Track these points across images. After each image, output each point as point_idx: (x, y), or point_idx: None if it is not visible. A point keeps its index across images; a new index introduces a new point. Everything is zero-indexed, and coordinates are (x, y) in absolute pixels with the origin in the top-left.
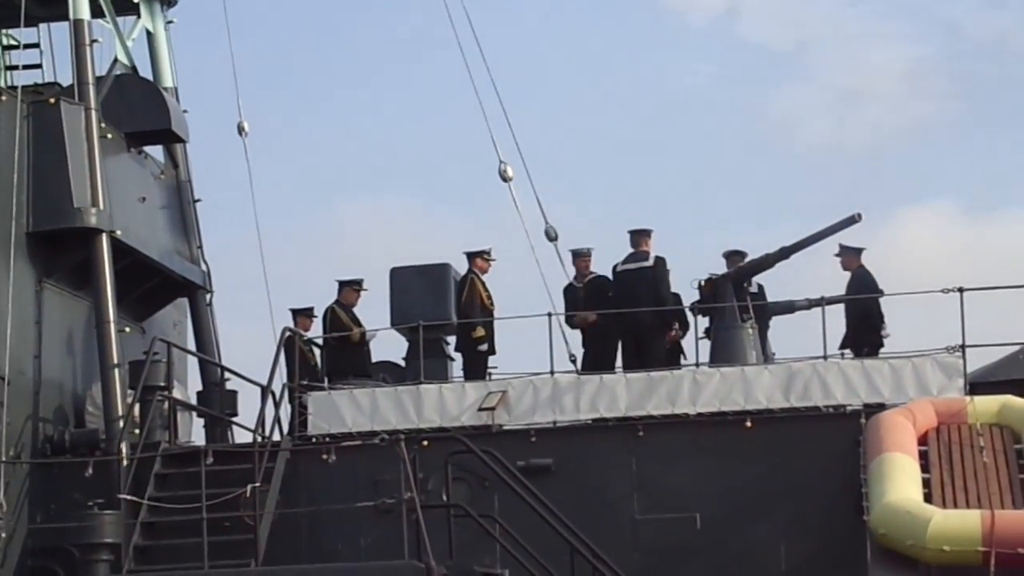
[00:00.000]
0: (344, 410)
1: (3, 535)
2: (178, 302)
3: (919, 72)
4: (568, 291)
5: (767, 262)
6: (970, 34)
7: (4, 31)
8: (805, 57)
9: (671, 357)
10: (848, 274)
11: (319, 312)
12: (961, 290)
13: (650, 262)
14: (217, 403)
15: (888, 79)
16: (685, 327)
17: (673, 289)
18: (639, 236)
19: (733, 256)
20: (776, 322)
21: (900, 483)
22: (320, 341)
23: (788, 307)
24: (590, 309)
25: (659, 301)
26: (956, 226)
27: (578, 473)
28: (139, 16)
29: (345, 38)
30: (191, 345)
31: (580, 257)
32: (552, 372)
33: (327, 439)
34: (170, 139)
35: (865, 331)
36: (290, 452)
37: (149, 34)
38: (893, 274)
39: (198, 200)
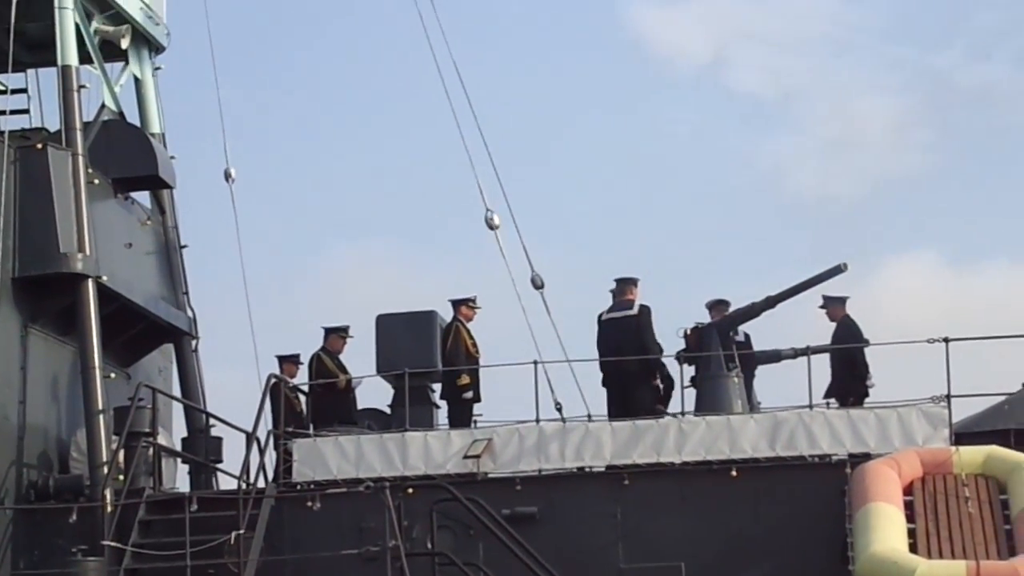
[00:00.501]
0: (329, 457)
1: None
2: (164, 348)
3: (906, 123)
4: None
5: (753, 311)
6: (956, 85)
7: None
8: (792, 107)
9: (656, 405)
10: (833, 324)
11: (305, 359)
12: (947, 340)
13: (634, 311)
14: (202, 449)
15: (875, 129)
16: (669, 385)
17: (659, 338)
18: (624, 285)
19: (717, 305)
20: (762, 371)
21: (885, 533)
22: (306, 388)
23: (774, 356)
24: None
25: (643, 350)
26: (940, 277)
27: (563, 521)
28: (127, 62)
29: (332, 84)
30: (176, 391)
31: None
32: (537, 420)
33: (312, 486)
34: (157, 185)
35: (851, 380)
36: (275, 499)
37: (137, 80)
38: (878, 323)
39: (184, 246)
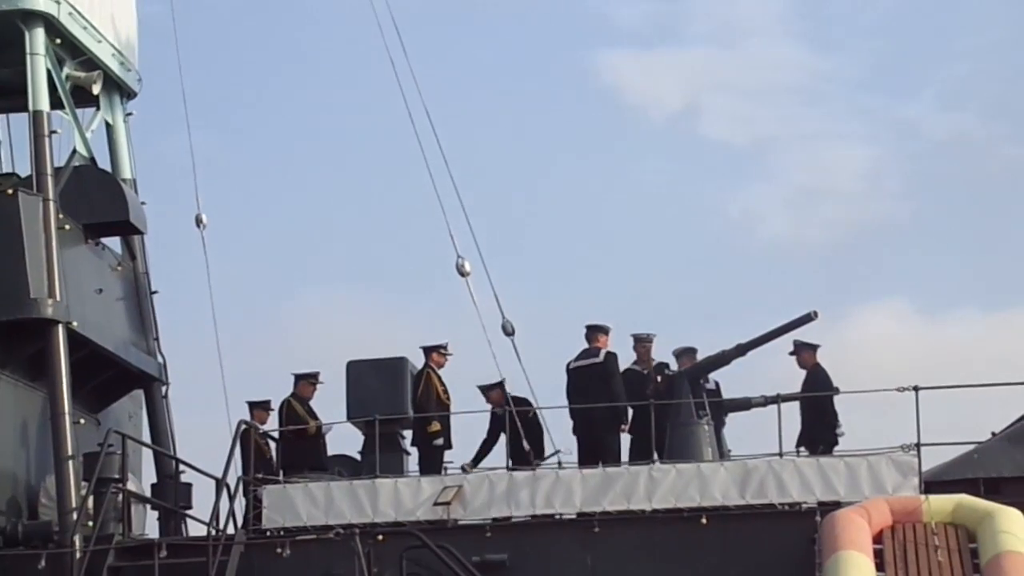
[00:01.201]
0: (299, 504)
1: None
2: (134, 394)
3: (876, 171)
4: (629, 374)
5: (724, 358)
6: (927, 134)
7: None
8: (764, 155)
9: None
10: (803, 371)
11: (275, 405)
12: (916, 389)
13: (600, 358)
14: (172, 496)
15: (845, 178)
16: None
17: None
18: (594, 332)
19: (686, 353)
20: (732, 419)
21: None
22: (276, 434)
23: (744, 404)
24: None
25: (610, 397)
26: (910, 324)
27: (533, 569)
28: (98, 108)
29: (304, 129)
30: (146, 437)
31: (641, 343)
32: (508, 467)
33: (282, 533)
34: (128, 231)
35: (820, 429)
36: (244, 545)
37: (108, 126)
38: (848, 371)
39: (155, 292)
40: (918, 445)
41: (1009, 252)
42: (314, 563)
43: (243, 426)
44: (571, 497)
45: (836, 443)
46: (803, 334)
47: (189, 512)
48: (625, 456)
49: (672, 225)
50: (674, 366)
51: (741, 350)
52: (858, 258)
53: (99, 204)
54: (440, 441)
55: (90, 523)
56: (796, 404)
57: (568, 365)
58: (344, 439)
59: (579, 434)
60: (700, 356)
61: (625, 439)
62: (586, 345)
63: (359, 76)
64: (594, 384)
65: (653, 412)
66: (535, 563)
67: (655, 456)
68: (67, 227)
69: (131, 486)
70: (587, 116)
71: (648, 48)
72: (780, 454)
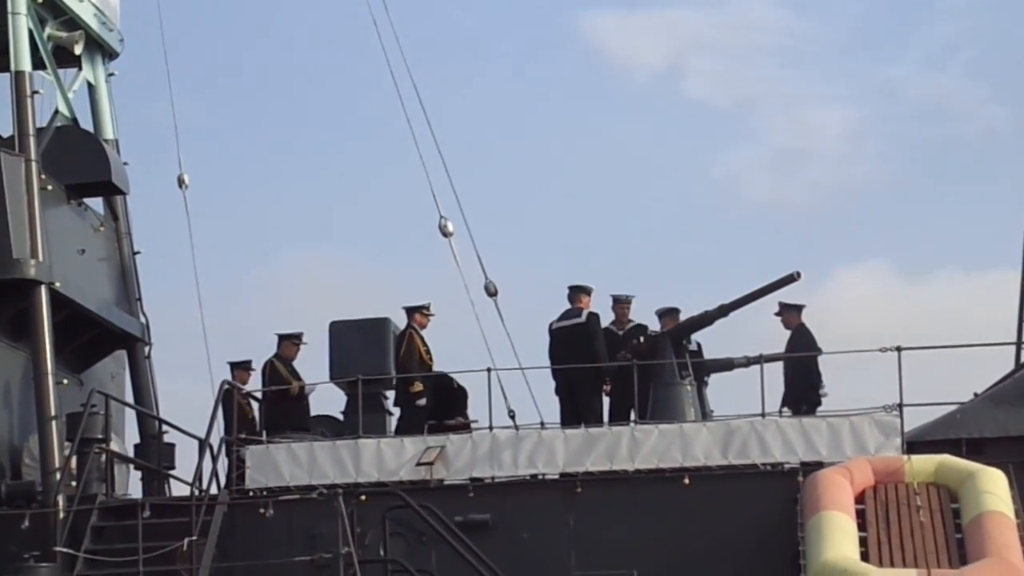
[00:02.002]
0: (282, 464)
1: None
2: (116, 354)
3: (859, 133)
4: (606, 334)
5: (706, 319)
6: (910, 96)
7: None
8: (747, 117)
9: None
10: (788, 332)
11: (257, 365)
12: (899, 349)
13: (582, 319)
14: (155, 456)
15: (828, 139)
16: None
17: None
18: (576, 293)
19: (668, 314)
20: (714, 379)
21: (837, 541)
22: (259, 394)
23: (727, 364)
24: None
25: (592, 358)
26: (892, 286)
27: (516, 529)
28: (80, 68)
29: (286, 89)
30: (129, 397)
31: (620, 304)
32: (491, 427)
33: (265, 493)
34: (110, 191)
35: (803, 389)
36: (227, 506)
37: (90, 86)
38: (830, 332)
39: (138, 252)
40: (900, 406)
41: (991, 213)
42: (297, 523)
43: (226, 387)
44: (554, 457)
45: (819, 403)
46: (785, 295)
47: (172, 472)
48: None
49: (655, 186)
50: (657, 327)
51: (724, 311)
52: (840, 219)
53: (81, 165)
54: (423, 401)
55: (73, 483)
56: (779, 365)
57: (551, 326)
58: (327, 400)
59: (561, 395)
60: (683, 317)
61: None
62: (568, 306)
63: (340, 37)
64: (576, 345)
65: (636, 373)
66: (518, 523)
67: (635, 417)
68: (49, 187)
69: (114, 446)
70: (571, 77)
71: (632, 9)
72: (762, 415)
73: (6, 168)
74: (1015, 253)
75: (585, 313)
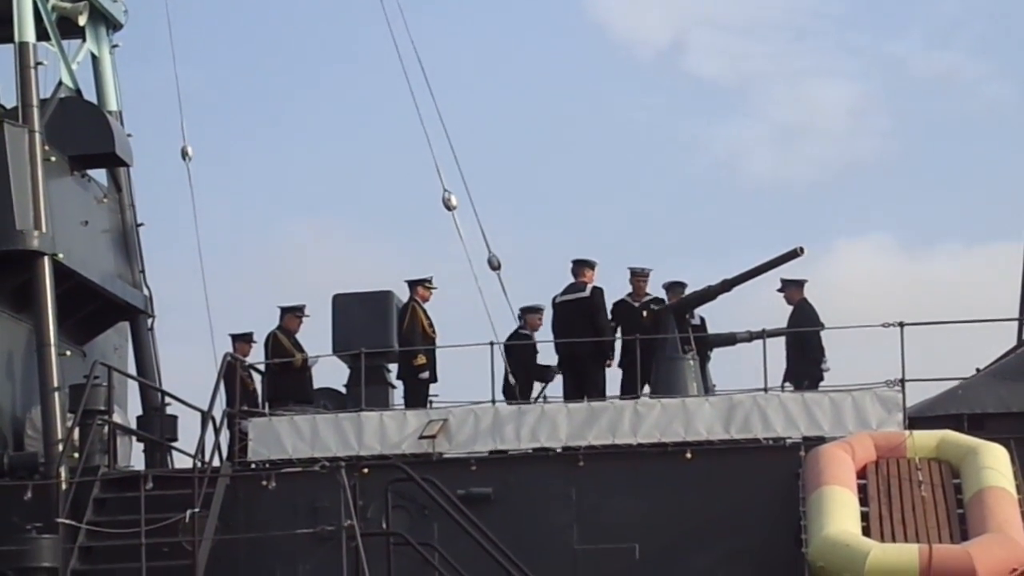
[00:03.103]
0: (284, 437)
1: None
2: (119, 326)
3: (862, 109)
4: (622, 306)
5: (709, 294)
6: (913, 72)
7: None
8: (750, 92)
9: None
10: (790, 307)
11: (260, 338)
12: (901, 325)
13: (587, 292)
14: (157, 428)
15: (831, 115)
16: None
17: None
18: (580, 267)
19: (674, 287)
20: (717, 354)
21: (839, 516)
22: (262, 367)
23: (729, 339)
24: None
25: (596, 332)
26: (893, 259)
27: (518, 502)
28: (84, 39)
29: (289, 63)
30: (132, 369)
31: (637, 276)
32: (493, 401)
33: (267, 465)
34: (114, 163)
35: (806, 364)
36: (230, 478)
37: (94, 58)
38: (833, 307)
39: (141, 224)
40: (903, 381)
41: (993, 187)
42: (299, 496)
43: (228, 359)
44: (556, 431)
45: (821, 378)
46: (788, 270)
47: (175, 444)
48: (616, 390)
49: (658, 161)
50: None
51: (727, 285)
52: (843, 195)
53: (85, 136)
54: (426, 375)
55: (76, 455)
56: (782, 340)
57: (554, 300)
58: (329, 372)
59: (564, 369)
60: (688, 292)
61: (615, 374)
62: (572, 280)
63: (344, 10)
64: (580, 319)
65: (639, 347)
66: (520, 497)
67: (640, 390)
68: (53, 159)
69: (117, 418)
70: (574, 52)
71: None
72: (765, 389)
73: (10, 139)
74: (1017, 226)
75: (589, 287)
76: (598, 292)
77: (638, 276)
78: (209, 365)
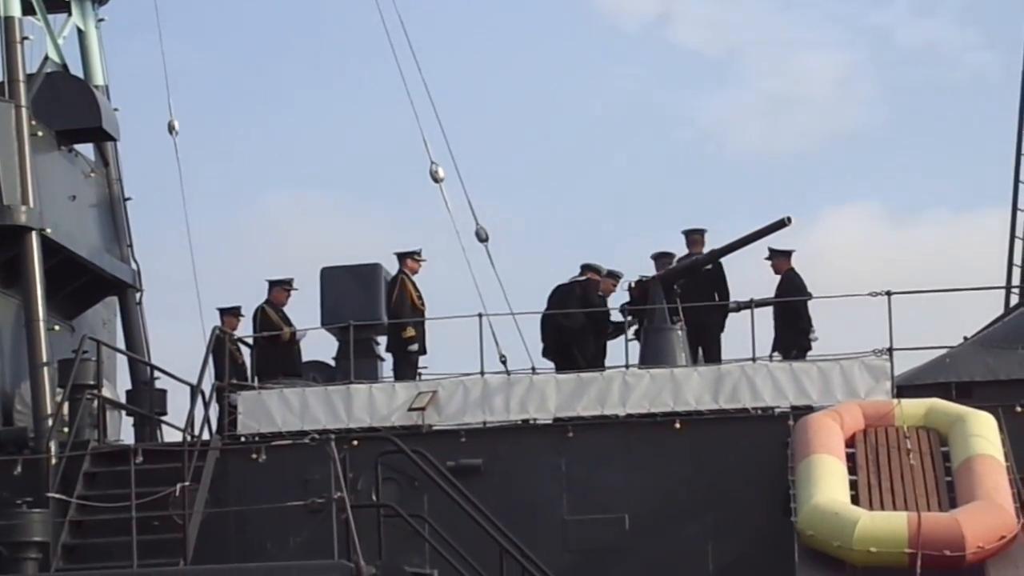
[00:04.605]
0: (274, 410)
1: None
2: (107, 301)
3: (849, 78)
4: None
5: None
6: (900, 41)
7: None
8: (736, 63)
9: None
10: (777, 277)
11: (248, 312)
12: (889, 294)
13: (582, 277)
14: (146, 402)
15: (818, 85)
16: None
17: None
18: (586, 271)
19: (662, 258)
20: None
21: (827, 485)
22: (250, 340)
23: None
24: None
25: (587, 305)
26: (879, 227)
27: (508, 474)
28: (70, 14)
29: (276, 37)
30: (120, 344)
31: (692, 236)
32: (482, 373)
33: (257, 438)
34: (101, 137)
35: (794, 334)
36: (220, 451)
37: (80, 32)
38: (820, 276)
39: (128, 198)
40: (890, 350)
41: (980, 155)
42: (289, 468)
43: (217, 333)
44: (545, 402)
45: (809, 348)
46: (775, 240)
47: (164, 419)
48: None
49: (645, 132)
50: (651, 271)
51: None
52: (830, 164)
53: (72, 110)
54: (414, 347)
55: (65, 429)
56: (769, 310)
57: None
58: (318, 346)
59: (553, 351)
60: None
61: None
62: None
63: None
64: (571, 300)
65: (626, 318)
66: (509, 468)
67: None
68: (40, 133)
69: (106, 392)
70: (560, 23)
71: None
72: (753, 359)
73: None
74: (1004, 193)
75: (586, 278)
76: (593, 283)
77: (694, 236)
78: (198, 339)
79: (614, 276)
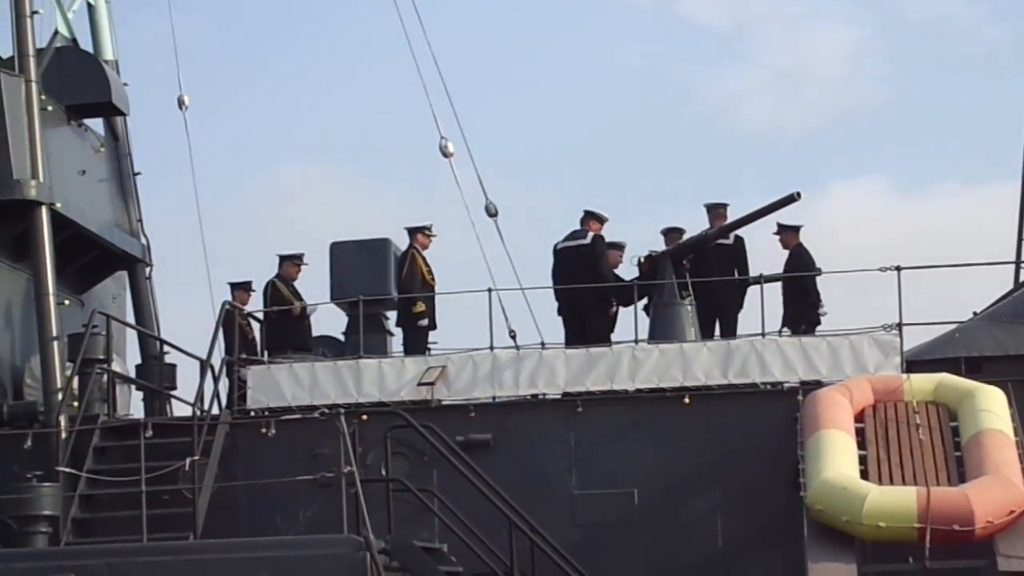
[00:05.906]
0: (284, 384)
1: None
2: (117, 275)
3: (859, 54)
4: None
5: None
6: (910, 17)
7: None
8: (746, 38)
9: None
10: (786, 252)
11: (258, 286)
12: (898, 269)
13: (587, 240)
14: (156, 376)
15: (828, 60)
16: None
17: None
18: (588, 218)
19: (671, 233)
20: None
21: (837, 460)
22: (260, 315)
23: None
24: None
25: (597, 279)
26: (889, 200)
27: (517, 448)
28: None
29: (286, 11)
30: (130, 318)
31: (715, 209)
32: (492, 347)
33: (266, 413)
34: (110, 112)
35: (803, 309)
36: (229, 426)
37: (90, 6)
38: (826, 249)
39: (138, 173)
40: (900, 325)
41: (990, 128)
42: (299, 443)
43: (227, 307)
44: (555, 377)
45: (818, 323)
46: (785, 215)
47: (174, 393)
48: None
49: (654, 107)
50: (661, 246)
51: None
52: (840, 140)
53: (81, 85)
54: (424, 322)
55: (75, 403)
56: (778, 285)
57: (555, 246)
58: (328, 320)
59: (565, 317)
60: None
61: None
62: (577, 227)
63: None
64: (581, 266)
65: (636, 293)
66: (519, 443)
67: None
68: (49, 108)
69: (116, 367)
70: None
71: None
72: (762, 334)
73: (6, 89)
74: (1014, 165)
75: (591, 235)
76: (599, 239)
77: (718, 208)
78: (208, 314)
79: (618, 247)
